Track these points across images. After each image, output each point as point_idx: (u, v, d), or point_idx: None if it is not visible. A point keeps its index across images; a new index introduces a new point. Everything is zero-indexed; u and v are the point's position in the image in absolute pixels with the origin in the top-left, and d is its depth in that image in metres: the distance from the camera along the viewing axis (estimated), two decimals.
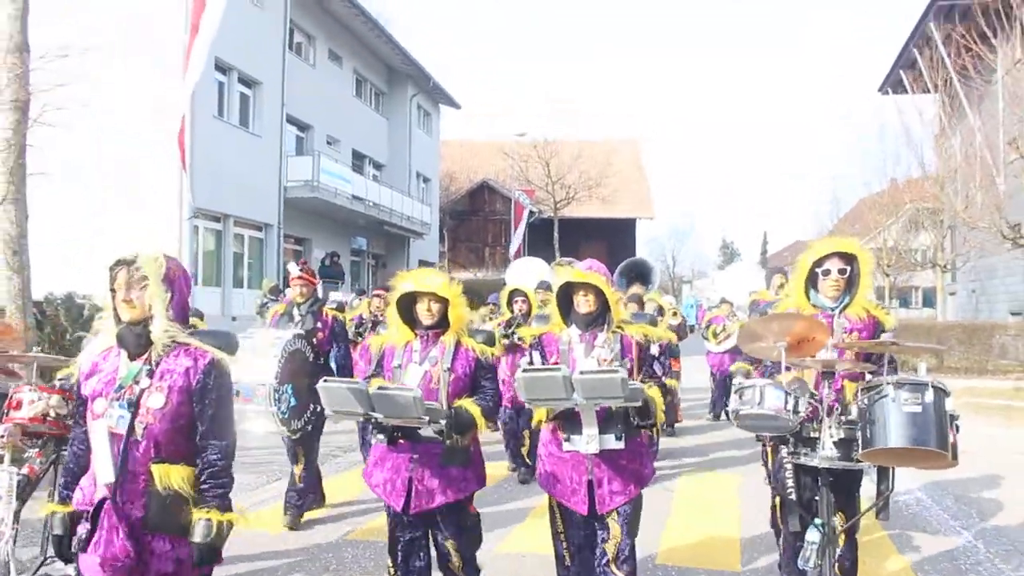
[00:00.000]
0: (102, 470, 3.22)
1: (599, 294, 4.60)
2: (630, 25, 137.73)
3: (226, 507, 3.27)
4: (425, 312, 4.62)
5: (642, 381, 4.46)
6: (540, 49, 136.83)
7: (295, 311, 7.45)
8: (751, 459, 9.22)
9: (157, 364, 3.27)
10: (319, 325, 7.34)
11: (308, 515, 7.23)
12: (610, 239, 45.94)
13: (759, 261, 77.59)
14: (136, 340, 3.28)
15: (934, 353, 17.16)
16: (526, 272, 13.27)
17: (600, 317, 4.64)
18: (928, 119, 27.47)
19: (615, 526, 4.56)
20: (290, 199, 25.55)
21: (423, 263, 36.35)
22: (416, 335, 4.71)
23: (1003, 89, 21.83)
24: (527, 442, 8.91)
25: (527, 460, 8.85)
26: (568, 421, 4.53)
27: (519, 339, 8.80)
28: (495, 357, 8.25)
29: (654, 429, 4.65)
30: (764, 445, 6.82)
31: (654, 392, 4.44)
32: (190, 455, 3.27)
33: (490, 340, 4.94)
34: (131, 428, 3.20)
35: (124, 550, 3.16)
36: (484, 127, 79.75)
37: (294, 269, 7.68)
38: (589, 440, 4.43)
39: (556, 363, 4.53)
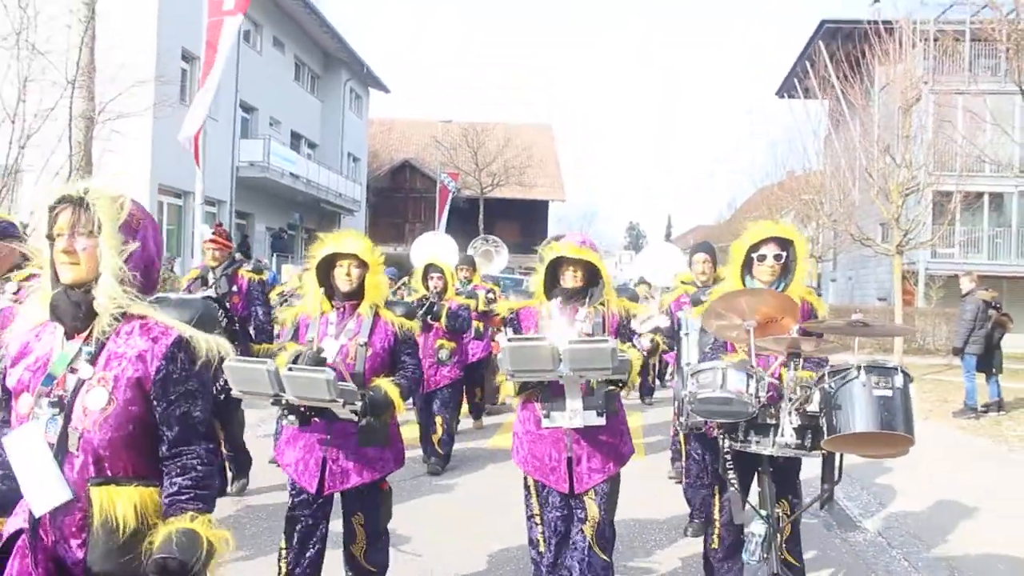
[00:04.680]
0: (32, 492, 2.38)
1: (587, 270, 4.44)
2: (549, 16, 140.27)
3: (212, 524, 2.44)
4: (344, 277, 4.35)
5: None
6: (461, 35, 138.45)
7: (210, 275, 7.14)
8: (666, 445, 8.93)
9: (102, 345, 2.43)
10: (234, 288, 7.08)
11: None
12: (523, 219, 48.99)
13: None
14: (74, 310, 2.41)
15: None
16: (433, 248, 12.51)
17: (582, 291, 4.46)
18: (814, 127, 30.83)
19: (592, 506, 4.36)
20: (241, 178, 27.64)
21: None
22: (332, 307, 4.45)
23: (880, 104, 25.18)
24: (439, 430, 8.31)
25: (438, 449, 8.28)
26: (547, 397, 4.34)
27: (437, 313, 8.43)
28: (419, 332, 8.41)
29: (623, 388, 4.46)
30: (676, 435, 6.74)
31: (633, 353, 4.32)
32: (145, 471, 2.46)
33: (410, 314, 4.75)
34: (63, 436, 2.37)
35: None
36: (406, 108, 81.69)
37: (206, 232, 7.35)
38: (572, 415, 4.24)
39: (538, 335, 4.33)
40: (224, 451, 6.80)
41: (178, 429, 2.44)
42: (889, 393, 3.80)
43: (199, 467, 2.45)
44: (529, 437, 4.48)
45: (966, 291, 12.90)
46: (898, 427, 3.79)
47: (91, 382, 2.39)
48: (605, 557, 4.36)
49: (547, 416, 4.34)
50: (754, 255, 4.52)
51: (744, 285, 4.54)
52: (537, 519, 4.53)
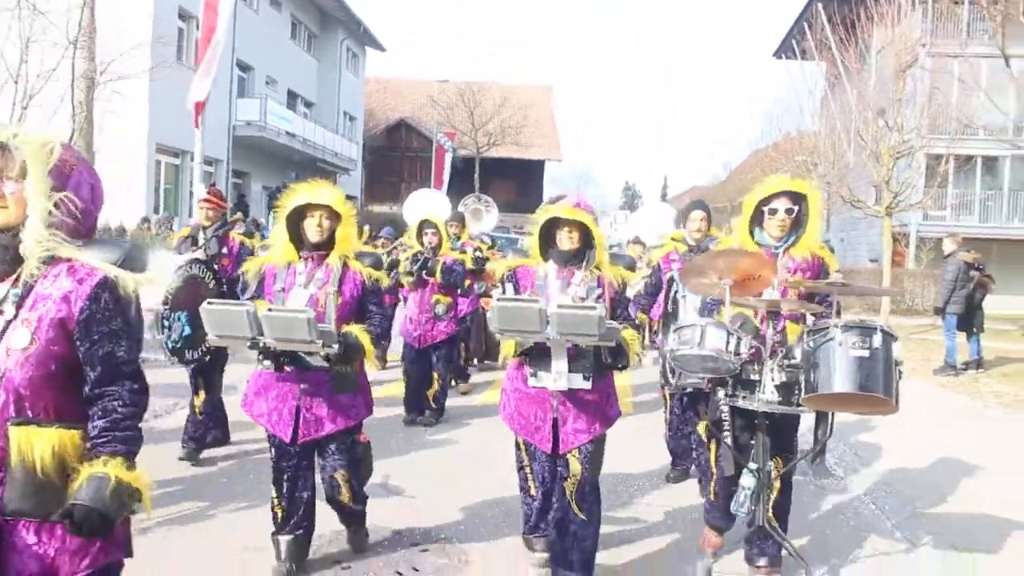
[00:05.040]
0: None
1: (583, 232, 4.41)
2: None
3: (132, 466, 2.46)
4: (315, 228, 4.39)
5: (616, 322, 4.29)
6: (462, 15, 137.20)
7: (200, 235, 7.12)
8: (655, 405, 9.03)
9: (30, 288, 2.45)
10: (224, 251, 7.02)
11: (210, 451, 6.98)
12: (519, 179, 49.21)
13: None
14: (1, 253, 2.45)
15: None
16: (426, 204, 12.63)
17: (579, 255, 4.44)
18: (810, 87, 30.94)
19: (575, 463, 4.43)
20: (237, 137, 27.84)
21: (348, 197, 38.86)
22: (300, 257, 4.49)
23: (876, 66, 25.29)
24: (435, 384, 8.58)
25: (432, 403, 8.56)
26: (536, 357, 4.37)
27: (426, 273, 8.53)
28: (410, 284, 8.43)
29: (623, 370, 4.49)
30: (663, 389, 6.78)
31: (628, 333, 4.27)
32: (68, 413, 2.47)
33: (376, 264, 4.82)
34: None
35: None
36: (403, 66, 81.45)
37: (201, 191, 7.36)
38: (557, 377, 4.29)
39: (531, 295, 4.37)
40: (197, 414, 6.87)
41: (101, 369, 2.45)
42: (866, 353, 3.80)
43: (119, 408, 2.46)
44: (517, 395, 4.53)
45: (948, 252, 13.25)
46: (876, 389, 3.79)
47: (15, 323, 2.40)
48: (582, 515, 4.42)
49: (534, 375, 4.40)
50: (765, 208, 4.51)
51: (753, 238, 4.55)
52: (527, 469, 4.65)
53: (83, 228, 2.50)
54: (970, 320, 13.02)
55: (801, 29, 32.08)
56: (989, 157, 29.03)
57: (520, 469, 4.71)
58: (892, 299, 19.10)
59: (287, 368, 4.35)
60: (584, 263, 4.46)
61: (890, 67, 20.78)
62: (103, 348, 2.44)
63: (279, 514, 4.58)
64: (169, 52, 22.54)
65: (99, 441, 2.41)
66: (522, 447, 4.65)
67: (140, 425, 2.53)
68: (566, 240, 4.41)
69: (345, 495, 4.63)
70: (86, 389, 2.46)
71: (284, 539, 4.59)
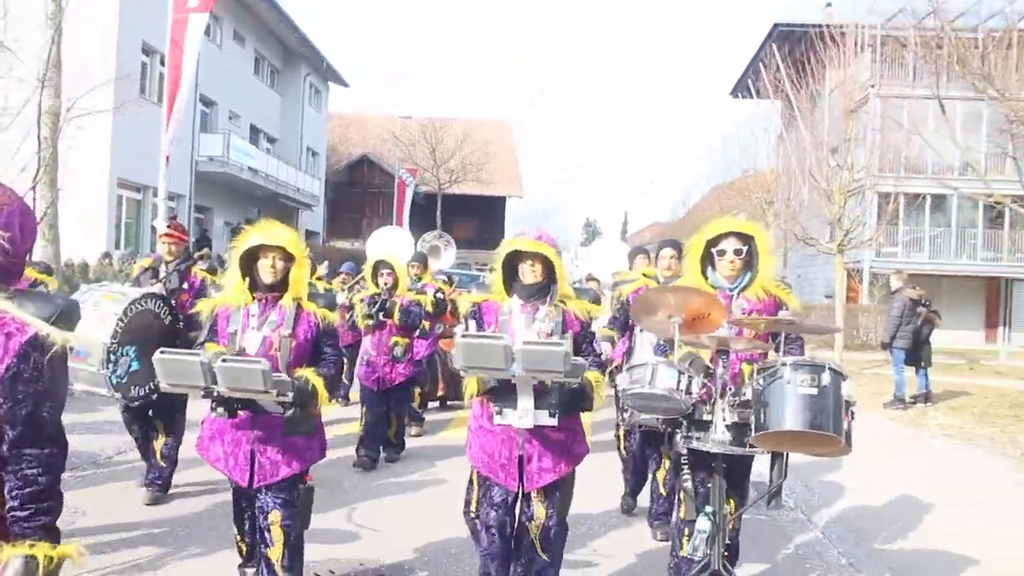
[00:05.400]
0: None
1: (546, 266, 4.39)
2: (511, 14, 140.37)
3: (55, 539, 2.37)
4: (268, 269, 4.33)
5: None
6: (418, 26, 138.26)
7: (162, 268, 7.03)
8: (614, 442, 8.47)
9: None
10: (185, 286, 6.92)
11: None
12: (481, 215, 49.51)
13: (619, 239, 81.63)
14: None
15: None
16: (388, 243, 12.72)
17: (543, 289, 4.41)
18: (765, 126, 31.59)
19: (539, 507, 4.41)
20: (200, 172, 27.89)
21: (310, 232, 39.16)
22: (253, 298, 4.42)
23: (828, 106, 26.00)
24: (394, 423, 8.69)
25: (393, 440, 8.71)
26: (500, 394, 4.31)
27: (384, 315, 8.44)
28: (367, 326, 8.43)
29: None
30: (618, 429, 6.94)
31: (593, 376, 4.29)
32: None
33: (330, 304, 4.76)
34: None
35: None
36: (366, 102, 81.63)
37: (161, 226, 7.23)
38: (523, 414, 4.25)
39: (495, 332, 4.33)
40: (159, 460, 6.77)
41: (21, 428, 2.29)
42: (814, 391, 3.80)
43: (39, 478, 2.32)
44: (482, 432, 4.46)
45: (895, 289, 13.78)
46: (825, 426, 3.80)
47: None
48: (546, 557, 4.43)
49: (499, 413, 4.33)
50: (714, 250, 4.51)
51: (706, 278, 4.54)
52: (473, 514, 4.54)
53: (13, 271, 2.41)
54: (917, 355, 13.45)
55: (756, 69, 32.84)
56: (937, 196, 29.79)
57: (466, 512, 4.61)
58: (845, 335, 19.54)
59: (240, 414, 4.31)
60: (548, 297, 4.41)
61: (841, 107, 21.46)
62: (26, 408, 2.29)
63: (243, 548, 4.74)
64: (133, 88, 22.62)
65: (21, 516, 2.30)
66: (475, 488, 4.56)
67: (59, 487, 2.41)
68: (529, 274, 4.39)
69: (276, 548, 4.33)
70: (3, 447, 2.30)
71: (250, 571, 4.73)
